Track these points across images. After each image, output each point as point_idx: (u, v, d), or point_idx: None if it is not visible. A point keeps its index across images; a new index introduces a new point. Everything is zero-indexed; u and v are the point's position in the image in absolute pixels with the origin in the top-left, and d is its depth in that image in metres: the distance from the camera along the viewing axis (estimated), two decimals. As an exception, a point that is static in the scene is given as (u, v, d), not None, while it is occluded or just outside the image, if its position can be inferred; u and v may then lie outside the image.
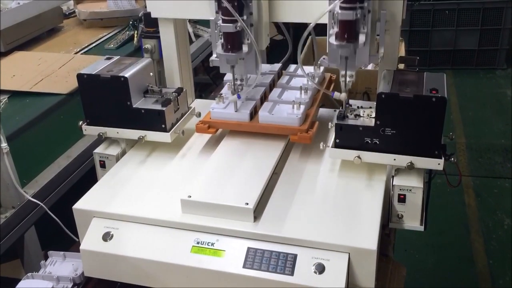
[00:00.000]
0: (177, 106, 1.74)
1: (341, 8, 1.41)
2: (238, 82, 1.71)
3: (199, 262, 1.36)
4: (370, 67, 2.74)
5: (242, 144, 1.68)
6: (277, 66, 2.02)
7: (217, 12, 1.59)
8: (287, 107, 1.67)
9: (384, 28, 1.51)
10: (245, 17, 1.59)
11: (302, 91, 1.76)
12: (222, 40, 1.61)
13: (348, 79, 1.54)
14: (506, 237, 3.40)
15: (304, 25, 1.56)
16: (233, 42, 1.60)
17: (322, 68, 1.95)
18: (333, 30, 1.46)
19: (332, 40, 1.46)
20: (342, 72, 1.53)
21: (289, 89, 1.82)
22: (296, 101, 1.66)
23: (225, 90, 1.83)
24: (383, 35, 1.52)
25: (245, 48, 1.62)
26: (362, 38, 1.45)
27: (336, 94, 1.59)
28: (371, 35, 1.48)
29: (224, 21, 1.57)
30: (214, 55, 1.67)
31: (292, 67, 2.03)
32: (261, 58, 1.66)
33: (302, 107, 1.66)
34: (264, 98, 1.80)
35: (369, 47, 1.48)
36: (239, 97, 1.69)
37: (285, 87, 1.85)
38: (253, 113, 1.71)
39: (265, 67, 2.02)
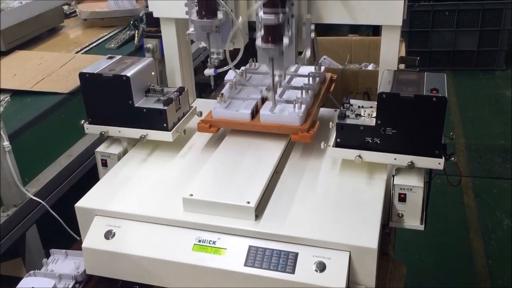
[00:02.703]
0: (179, 105, 1.75)
1: (264, 12, 1.48)
2: (215, 56, 1.69)
3: (200, 260, 1.37)
4: (370, 67, 2.75)
5: (243, 143, 1.69)
6: (278, 66, 2.02)
7: None
8: (289, 107, 1.68)
9: (310, 32, 1.56)
10: None
11: (303, 91, 1.76)
12: (197, 7, 1.59)
13: (277, 78, 1.62)
14: (505, 237, 3.40)
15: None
16: (207, 8, 1.58)
17: (323, 68, 1.96)
18: (259, 33, 1.53)
19: (259, 42, 1.54)
20: (271, 72, 1.61)
21: (290, 89, 1.83)
22: (297, 100, 1.67)
23: (226, 90, 1.84)
24: (309, 38, 1.57)
25: (220, 15, 1.61)
26: (286, 40, 1.53)
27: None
28: (298, 37, 1.56)
29: None
30: (191, 29, 1.66)
31: (293, 67, 2.03)
32: (244, 28, 1.67)
33: (303, 106, 1.67)
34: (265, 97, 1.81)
35: (295, 49, 1.56)
36: (215, 72, 1.70)
37: (286, 86, 1.85)
38: (255, 112, 1.72)
39: (266, 67, 2.02)
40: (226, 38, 1.63)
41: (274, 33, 1.51)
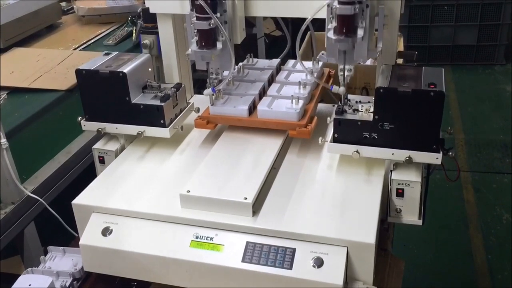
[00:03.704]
0: (176, 102, 1.74)
1: (339, 2, 1.42)
2: (214, 76, 1.71)
3: (198, 257, 1.37)
4: (369, 62, 2.74)
5: (241, 139, 1.69)
6: (275, 62, 2.02)
7: (191, 10, 1.59)
8: (286, 102, 1.68)
9: (383, 23, 1.52)
10: (218, 15, 1.61)
11: (301, 86, 1.76)
12: (197, 37, 1.61)
13: (346, 73, 1.55)
14: (504, 232, 3.41)
15: (303, 20, 1.56)
16: (207, 39, 1.61)
17: (320, 63, 1.96)
18: (331, 25, 1.47)
19: (331, 34, 1.47)
20: (341, 67, 1.54)
21: (288, 84, 1.82)
22: (294, 96, 1.67)
23: (224, 86, 1.83)
24: (381, 30, 1.53)
25: (219, 45, 1.63)
26: (360, 32, 1.46)
27: (335, 88, 1.59)
28: (370, 29, 1.48)
29: (198, 18, 1.57)
30: (189, 50, 1.67)
31: (290, 62, 2.03)
32: (234, 54, 1.67)
33: (301, 102, 1.66)
34: (263, 93, 1.81)
35: (367, 42, 1.48)
36: (213, 90, 1.70)
37: (283, 82, 1.85)
38: (252, 108, 1.72)
39: (264, 62, 2.02)
40: (225, 62, 1.66)
41: (349, 24, 1.45)
